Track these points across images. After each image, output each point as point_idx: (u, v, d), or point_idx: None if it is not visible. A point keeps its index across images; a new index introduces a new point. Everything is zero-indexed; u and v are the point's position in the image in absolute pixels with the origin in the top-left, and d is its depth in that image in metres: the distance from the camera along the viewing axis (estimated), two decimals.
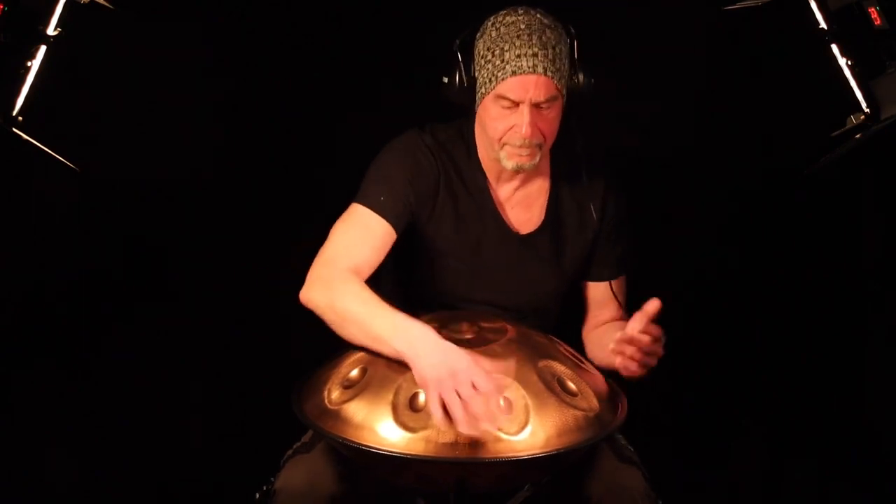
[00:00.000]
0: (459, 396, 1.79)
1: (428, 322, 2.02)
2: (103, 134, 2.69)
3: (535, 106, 2.13)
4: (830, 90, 2.10)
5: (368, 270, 2.15)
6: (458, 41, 2.19)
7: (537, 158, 2.20)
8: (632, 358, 2.04)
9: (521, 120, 2.13)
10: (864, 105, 2.06)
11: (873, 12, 2.01)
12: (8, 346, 2.70)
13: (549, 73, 2.12)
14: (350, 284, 2.06)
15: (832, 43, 2.06)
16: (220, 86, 2.77)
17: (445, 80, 2.21)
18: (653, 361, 2.06)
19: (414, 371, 1.87)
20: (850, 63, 2.06)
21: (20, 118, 2.09)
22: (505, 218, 2.31)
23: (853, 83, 2.06)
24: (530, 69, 2.11)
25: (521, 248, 2.32)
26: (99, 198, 2.72)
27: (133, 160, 2.72)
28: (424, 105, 2.35)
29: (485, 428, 1.79)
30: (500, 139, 2.18)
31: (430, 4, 2.72)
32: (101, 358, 2.79)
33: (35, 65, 2.08)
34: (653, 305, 2.01)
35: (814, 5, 2.06)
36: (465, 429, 1.79)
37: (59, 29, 2.08)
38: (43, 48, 2.08)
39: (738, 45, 2.73)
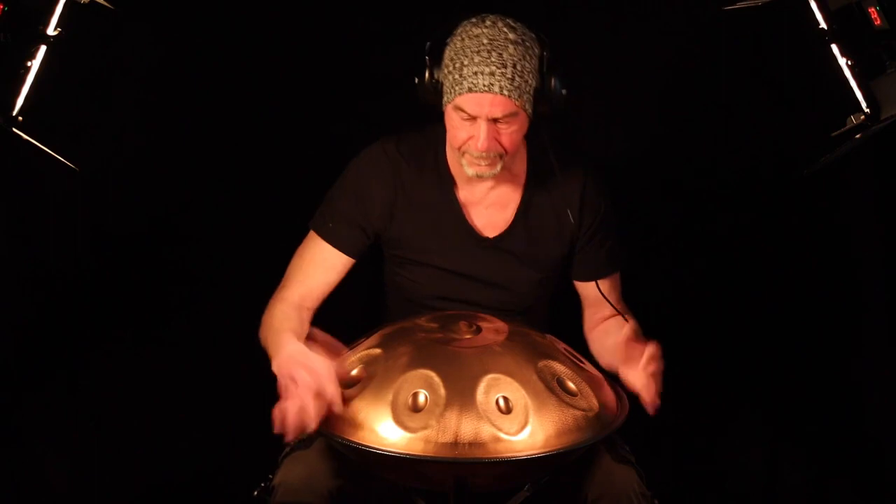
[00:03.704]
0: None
1: (428, 322, 2.05)
2: (103, 134, 2.69)
3: (493, 120, 2.13)
4: (830, 90, 2.10)
5: (318, 296, 2.28)
6: (428, 44, 2.18)
7: (498, 168, 2.19)
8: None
9: (478, 133, 2.13)
10: (864, 105, 2.06)
11: (873, 12, 2.01)
12: (7, 345, 2.70)
13: (505, 92, 2.09)
14: (269, 313, 2.23)
15: (832, 43, 2.06)
16: (220, 86, 2.77)
17: (416, 80, 2.20)
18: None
19: None
20: (850, 63, 2.05)
21: (20, 118, 2.09)
22: (470, 222, 2.32)
23: (853, 83, 2.06)
24: (485, 87, 2.09)
25: (488, 250, 2.32)
26: (99, 197, 2.72)
27: (133, 160, 2.72)
28: (420, 106, 2.34)
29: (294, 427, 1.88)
30: (460, 147, 2.18)
31: (426, 4, 2.72)
32: (101, 357, 2.78)
33: (35, 65, 2.08)
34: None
35: (814, 5, 2.06)
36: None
37: (59, 29, 2.08)
38: (43, 48, 2.08)
39: (738, 45, 2.72)
